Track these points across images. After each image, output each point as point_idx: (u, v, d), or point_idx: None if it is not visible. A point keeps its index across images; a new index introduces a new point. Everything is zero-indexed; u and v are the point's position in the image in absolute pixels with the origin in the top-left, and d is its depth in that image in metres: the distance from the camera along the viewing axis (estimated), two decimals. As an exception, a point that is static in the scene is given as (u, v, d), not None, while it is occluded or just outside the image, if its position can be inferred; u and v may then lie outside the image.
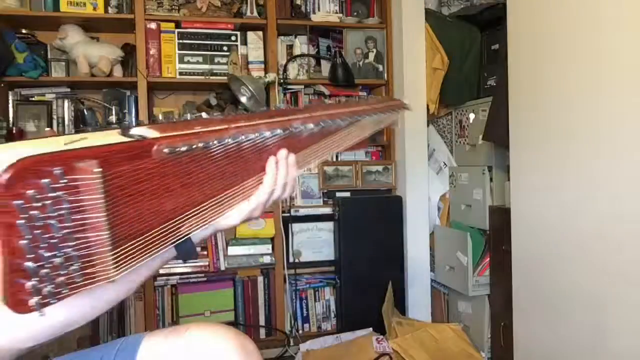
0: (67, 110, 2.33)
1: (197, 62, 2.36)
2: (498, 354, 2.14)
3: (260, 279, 2.48)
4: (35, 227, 0.44)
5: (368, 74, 2.57)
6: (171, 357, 0.64)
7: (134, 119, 2.36)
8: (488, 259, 2.21)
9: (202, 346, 0.65)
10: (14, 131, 2.22)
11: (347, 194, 2.51)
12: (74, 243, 0.48)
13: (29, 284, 0.45)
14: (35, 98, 2.34)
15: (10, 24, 2.25)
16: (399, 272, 2.46)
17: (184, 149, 0.57)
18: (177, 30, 2.34)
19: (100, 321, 2.30)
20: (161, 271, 2.32)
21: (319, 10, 2.55)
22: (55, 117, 2.32)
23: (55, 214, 0.45)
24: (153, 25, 2.30)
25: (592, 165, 1.43)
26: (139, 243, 0.55)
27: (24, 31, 2.29)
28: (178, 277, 2.39)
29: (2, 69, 2.14)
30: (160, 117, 0.62)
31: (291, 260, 2.48)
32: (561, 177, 1.55)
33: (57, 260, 0.46)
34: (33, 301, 0.46)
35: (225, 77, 2.32)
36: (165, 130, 0.57)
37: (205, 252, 2.37)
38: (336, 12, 2.56)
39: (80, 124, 2.34)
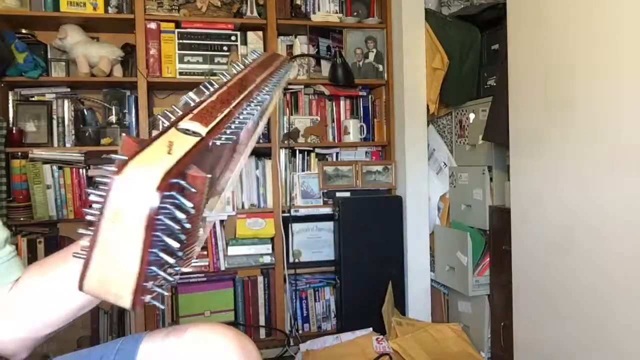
0: (67, 110, 2.33)
1: (197, 62, 2.36)
2: (498, 354, 2.14)
3: (260, 279, 2.48)
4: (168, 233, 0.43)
5: (368, 74, 2.57)
6: (171, 357, 0.64)
7: (133, 119, 2.36)
8: (488, 259, 2.21)
9: (201, 346, 0.65)
10: (14, 131, 2.22)
11: (347, 194, 2.51)
12: (192, 241, 0.48)
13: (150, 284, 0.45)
14: (35, 98, 2.34)
15: (10, 24, 2.25)
16: (399, 272, 2.46)
17: (228, 133, 0.56)
18: (177, 30, 2.34)
19: (100, 321, 2.30)
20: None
21: (319, 10, 2.55)
22: (55, 117, 2.32)
23: (180, 221, 0.45)
24: (153, 25, 2.30)
25: (592, 165, 1.43)
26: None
27: (24, 31, 2.29)
28: (178, 277, 2.38)
29: (2, 69, 2.14)
30: (182, 102, 0.60)
31: (291, 260, 2.48)
32: (561, 177, 1.55)
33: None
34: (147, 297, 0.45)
35: (225, 77, 2.32)
36: (203, 121, 0.54)
37: (205, 252, 2.37)
38: (336, 12, 2.56)
39: (81, 123, 2.34)
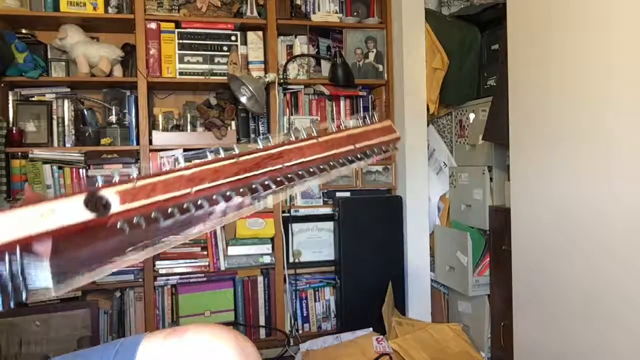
0: (67, 110, 2.33)
1: (197, 62, 2.36)
2: (498, 354, 2.14)
3: (260, 279, 2.48)
4: None
5: (368, 74, 2.57)
6: (170, 358, 0.64)
7: (133, 119, 2.36)
8: (488, 259, 2.21)
9: (201, 347, 0.65)
10: (14, 131, 2.22)
11: (347, 194, 2.51)
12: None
13: None
14: (35, 98, 2.34)
15: (10, 24, 2.25)
16: (399, 272, 2.46)
17: (136, 220, 0.58)
18: (177, 30, 2.34)
19: (100, 321, 2.30)
20: (161, 271, 2.32)
21: (319, 10, 2.55)
22: (55, 117, 2.32)
23: None
24: (153, 25, 2.30)
25: (592, 165, 1.43)
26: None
27: (24, 31, 2.29)
28: (178, 277, 2.39)
29: (2, 69, 2.14)
30: (135, 173, 0.61)
31: (291, 260, 2.48)
32: (561, 177, 1.55)
33: None
34: None
35: (225, 77, 2.32)
36: (126, 199, 0.56)
37: (205, 252, 2.37)
38: (336, 12, 2.56)
39: (81, 123, 2.34)
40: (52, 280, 0.53)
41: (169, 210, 0.60)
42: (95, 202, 0.55)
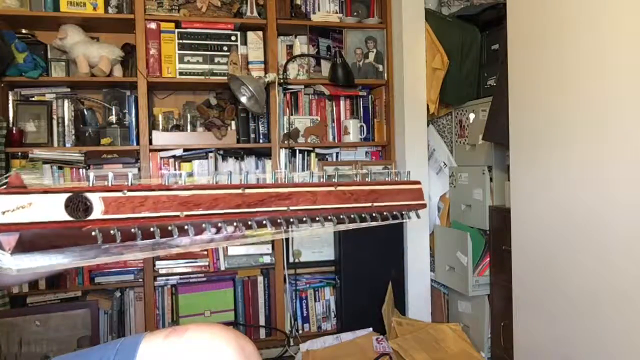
0: (67, 110, 2.33)
1: (197, 62, 2.36)
2: (498, 354, 2.14)
3: (260, 279, 2.48)
4: None
5: (368, 74, 2.57)
6: (170, 358, 0.64)
7: (133, 119, 2.36)
8: (488, 259, 2.21)
9: (201, 347, 0.65)
10: (14, 131, 2.22)
11: (347, 194, 2.50)
12: None
13: None
14: (35, 98, 2.34)
15: (10, 24, 2.25)
16: (399, 272, 2.46)
17: (112, 232, 0.56)
18: (177, 30, 2.34)
19: (100, 321, 2.30)
20: (161, 271, 2.32)
21: (319, 10, 2.55)
22: (55, 117, 2.32)
23: None
24: (153, 25, 2.30)
25: (592, 164, 1.43)
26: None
27: (24, 31, 2.29)
28: (178, 277, 2.39)
29: (2, 69, 2.14)
30: (130, 176, 0.59)
31: (291, 260, 2.48)
32: (561, 177, 1.55)
33: None
34: None
35: (225, 77, 2.32)
36: (109, 209, 0.55)
37: (205, 252, 2.37)
38: (336, 12, 2.56)
39: (81, 123, 2.34)
40: (13, 263, 0.52)
41: (151, 229, 0.57)
42: (77, 204, 0.53)
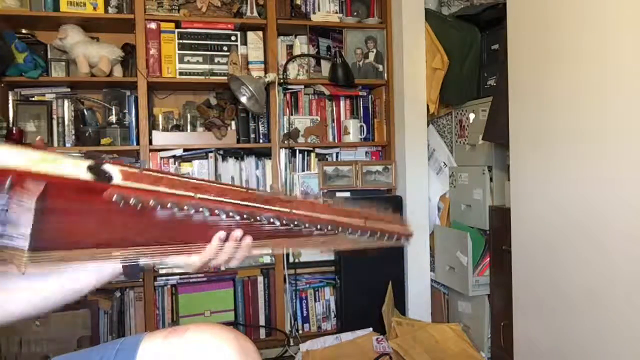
0: (67, 110, 2.33)
1: (197, 62, 2.36)
2: (498, 354, 2.14)
3: (260, 279, 2.48)
4: None
5: (368, 74, 2.57)
6: (171, 358, 0.64)
7: (133, 119, 2.36)
8: (488, 259, 2.21)
9: (201, 347, 0.65)
10: (14, 131, 2.22)
11: (347, 194, 2.51)
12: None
13: None
14: (35, 98, 2.34)
15: (10, 24, 2.25)
16: (399, 272, 2.46)
17: (132, 201, 0.61)
18: (177, 30, 2.34)
19: (100, 321, 2.30)
20: (161, 271, 2.32)
21: (319, 10, 2.55)
22: (55, 117, 2.32)
23: None
24: (153, 25, 2.30)
25: (592, 164, 1.43)
26: (57, 261, 0.60)
27: (24, 31, 2.29)
28: (178, 277, 2.39)
29: (3, 69, 2.14)
30: (147, 163, 0.66)
31: (291, 260, 2.48)
32: (561, 177, 1.55)
33: None
34: None
35: (225, 77, 2.32)
36: (129, 178, 0.60)
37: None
38: (336, 12, 2.56)
39: (81, 123, 2.34)
40: (28, 242, 0.55)
41: (168, 204, 0.61)
42: (99, 171, 0.57)
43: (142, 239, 0.66)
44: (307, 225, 0.73)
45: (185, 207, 0.64)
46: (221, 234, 0.72)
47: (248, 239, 0.73)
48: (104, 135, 2.32)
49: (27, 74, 2.18)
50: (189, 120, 2.44)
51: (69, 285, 0.72)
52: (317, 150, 2.60)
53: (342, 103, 2.65)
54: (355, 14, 2.61)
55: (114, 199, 0.60)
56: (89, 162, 0.58)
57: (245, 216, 0.69)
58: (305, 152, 2.57)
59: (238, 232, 0.72)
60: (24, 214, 0.56)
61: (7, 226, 0.56)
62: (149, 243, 0.67)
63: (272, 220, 0.71)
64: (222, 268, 0.77)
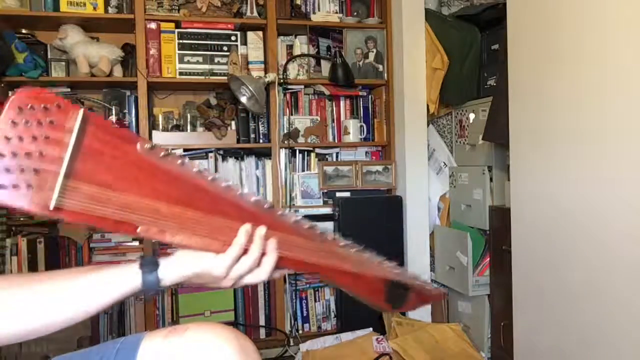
0: (67, 110, 2.33)
1: (197, 62, 2.36)
2: (498, 354, 2.14)
3: (260, 279, 2.47)
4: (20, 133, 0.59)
5: (368, 74, 2.57)
6: (171, 357, 0.64)
7: (133, 119, 2.36)
8: (488, 259, 2.21)
9: (201, 346, 0.65)
10: (14, 131, 2.22)
11: (347, 194, 2.51)
12: (37, 158, 0.60)
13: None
14: (35, 98, 2.33)
15: (10, 24, 2.25)
16: (399, 272, 2.45)
17: (162, 153, 0.67)
18: (177, 30, 2.34)
19: (100, 321, 2.30)
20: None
21: (319, 10, 2.55)
22: (55, 117, 2.32)
23: (36, 130, 0.60)
24: (153, 25, 2.30)
25: (592, 164, 1.43)
26: (87, 198, 0.63)
27: (24, 31, 2.29)
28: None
29: (3, 69, 2.14)
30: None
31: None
32: (561, 177, 1.55)
33: (23, 163, 0.59)
34: None
35: (225, 77, 2.32)
36: (161, 150, 0.69)
37: (205, 252, 2.37)
38: (336, 12, 2.56)
39: (80, 124, 2.34)
40: (64, 168, 0.60)
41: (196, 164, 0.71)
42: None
43: (167, 210, 0.67)
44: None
45: (210, 176, 0.71)
46: (247, 226, 0.71)
47: (273, 240, 0.73)
48: (104, 135, 2.31)
49: (27, 74, 2.18)
50: (189, 120, 2.44)
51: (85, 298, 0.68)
52: (317, 150, 2.60)
53: (342, 103, 2.65)
54: (355, 14, 2.61)
55: (147, 147, 0.66)
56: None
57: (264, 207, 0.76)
58: (305, 152, 2.57)
59: (263, 228, 0.72)
60: (64, 140, 0.60)
61: (45, 151, 0.59)
62: (171, 216, 0.67)
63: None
64: (249, 279, 0.75)
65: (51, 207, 0.60)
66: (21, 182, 0.59)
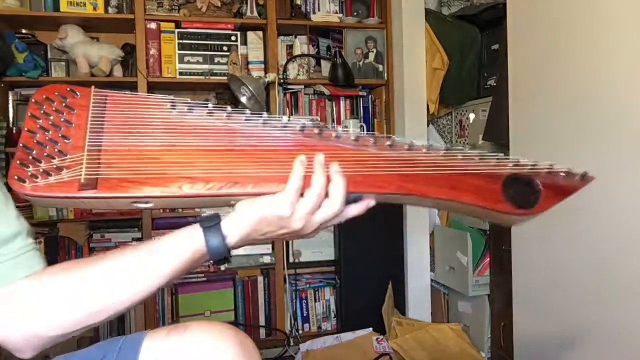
0: (67, 110, 2.33)
1: (197, 62, 2.36)
2: (498, 354, 2.14)
3: (260, 279, 2.48)
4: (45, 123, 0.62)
5: (368, 74, 2.57)
6: (172, 355, 0.64)
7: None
8: (488, 259, 2.21)
9: (202, 344, 0.65)
10: (14, 131, 2.22)
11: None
12: (62, 143, 0.62)
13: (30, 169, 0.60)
14: (35, 98, 2.33)
15: (10, 24, 2.25)
16: (399, 272, 2.45)
17: (186, 108, 0.67)
18: (177, 30, 2.34)
19: (100, 321, 2.30)
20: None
21: (319, 10, 2.55)
22: (55, 117, 2.32)
23: (55, 118, 0.63)
24: (153, 25, 2.30)
25: (592, 164, 1.43)
26: (124, 166, 0.63)
27: (24, 31, 2.29)
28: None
29: (3, 69, 2.14)
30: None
31: (291, 260, 2.47)
32: (561, 177, 1.54)
33: (48, 150, 0.61)
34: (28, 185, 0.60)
35: (225, 77, 2.32)
36: None
37: (205, 252, 2.37)
38: (336, 12, 2.56)
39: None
40: (87, 148, 0.63)
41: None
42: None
43: (207, 163, 0.64)
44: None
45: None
46: (301, 157, 0.64)
47: (336, 164, 0.65)
48: (104, 135, 2.31)
49: (27, 74, 2.18)
50: (189, 120, 2.44)
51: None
52: (317, 150, 2.60)
53: (342, 103, 2.65)
54: (355, 14, 2.61)
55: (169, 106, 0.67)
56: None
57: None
58: (305, 152, 2.57)
59: (320, 155, 0.65)
60: (83, 119, 0.63)
61: (69, 134, 0.62)
62: (219, 164, 0.64)
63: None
64: (327, 219, 0.68)
65: (82, 181, 0.60)
66: (51, 168, 0.60)
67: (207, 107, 0.67)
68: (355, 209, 0.72)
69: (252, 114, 0.66)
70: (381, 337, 2.20)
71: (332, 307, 2.56)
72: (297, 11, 2.50)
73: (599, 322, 1.42)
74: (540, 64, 1.63)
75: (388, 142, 0.68)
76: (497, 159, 0.72)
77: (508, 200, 0.73)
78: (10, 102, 2.30)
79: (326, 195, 0.66)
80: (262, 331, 2.48)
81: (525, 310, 1.75)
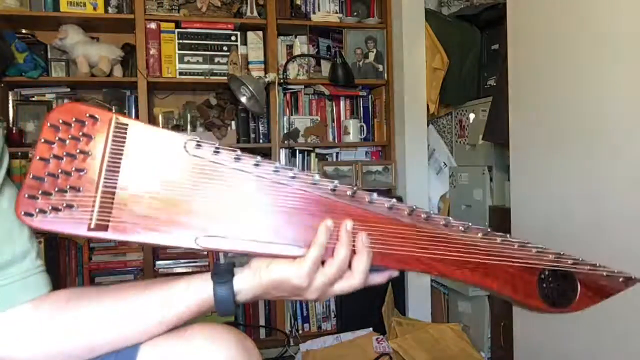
0: (67, 110, 2.33)
1: (197, 62, 2.36)
2: (498, 354, 2.14)
3: (260, 279, 2.47)
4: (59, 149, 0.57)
5: (368, 74, 2.57)
6: (172, 356, 0.64)
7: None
8: (488, 259, 2.21)
9: (202, 346, 0.65)
10: (14, 131, 2.22)
11: (347, 194, 2.50)
12: (76, 177, 0.58)
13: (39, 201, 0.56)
14: (35, 98, 2.34)
15: (10, 24, 2.25)
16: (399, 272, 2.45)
17: (213, 150, 0.60)
18: (177, 30, 2.34)
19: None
20: (161, 271, 2.32)
21: (319, 10, 2.55)
22: (55, 117, 2.32)
23: (72, 147, 0.58)
24: (153, 25, 2.30)
25: (592, 164, 1.43)
26: (138, 211, 0.59)
27: (24, 31, 2.29)
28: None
29: (3, 69, 2.13)
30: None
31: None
32: (561, 177, 1.55)
33: (60, 183, 0.57)
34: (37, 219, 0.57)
35: (225, 77, 2.32)
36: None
37: (205, 252, 2.37)
38: (336, 12, 2.56)
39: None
40: (101, 188, 0.58)
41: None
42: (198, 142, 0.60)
43: (229, 209, 0.60)
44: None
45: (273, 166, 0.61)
46: (328, 221, 0.60)
47: (364, 236, 0.61)
48: (104, 135, 2.31)
49: (27, 74, 2.18)
50: (189, 120, 2.44)
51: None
52: (317, 151, 2.60)
53: (342, 103, 2.65)
54: (355, 14, 2.61)
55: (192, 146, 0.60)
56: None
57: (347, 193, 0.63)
58: (305, 152, 2.57)
59: (349, 223, 0.60)
60: (100, 152, 0.58)
61: (84, 167, 0.58)
62: (239, 219, 0.59)
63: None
64: (340, 287, 0.64)
65: (92, 226, 0.56)
66: (61, 204, 0.56)
67: (236, 152, 0.61)
68: (377, 279, 0.69)
69: (280, 167, 0.61)
70: (381, 337, 2.20)
71: (332, 307, 2.56)
72: (297, 11, 2.51)
73: (598, 322, 1.42)
74: (540, 64, 1.63)
75: (424, 215, 0.64)
76: (538, 249, 0.71)
77: (542, 297, 0.75)
78: (10, 102, 2.30)
79: (349, 265, 0.63)
80: (262, 331, 2.48)
81: (525, 310, 1.75)
